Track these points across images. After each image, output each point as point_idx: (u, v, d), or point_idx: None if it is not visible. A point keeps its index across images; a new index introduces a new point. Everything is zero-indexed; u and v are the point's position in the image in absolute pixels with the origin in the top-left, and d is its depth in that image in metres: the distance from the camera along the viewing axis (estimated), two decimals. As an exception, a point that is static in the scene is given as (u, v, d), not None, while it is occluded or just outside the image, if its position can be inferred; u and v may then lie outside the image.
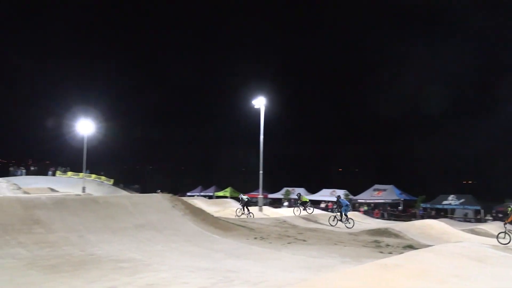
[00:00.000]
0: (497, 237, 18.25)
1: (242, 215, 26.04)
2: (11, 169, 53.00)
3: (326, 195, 51.37)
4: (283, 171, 69.54)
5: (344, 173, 76.27)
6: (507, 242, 17.46)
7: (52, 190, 35.22)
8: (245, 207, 26.42)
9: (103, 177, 54.07)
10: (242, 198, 26.85)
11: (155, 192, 28.67)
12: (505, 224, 18.40)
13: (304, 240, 15.45)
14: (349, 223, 22.63)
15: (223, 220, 18.84)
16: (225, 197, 52.60)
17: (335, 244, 14.98)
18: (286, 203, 48.58)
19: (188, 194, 57.59)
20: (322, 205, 46.44)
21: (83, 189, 41.48)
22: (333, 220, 23.16)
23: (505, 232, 18.08)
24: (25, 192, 26.84)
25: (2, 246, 10.71)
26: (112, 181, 54.10)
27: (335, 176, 71.20)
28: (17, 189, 26.23)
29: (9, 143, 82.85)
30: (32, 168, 54.17)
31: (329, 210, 24.07)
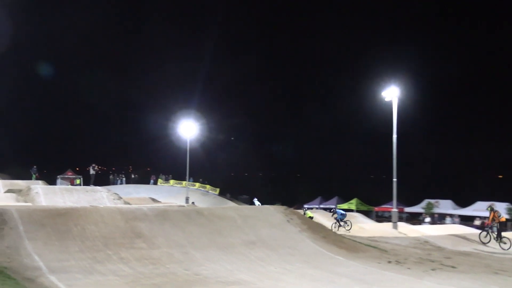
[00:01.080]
0: (479, 235, 21.76)
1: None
2: (111, 177, 58.45)
3: (481, 209, 47.36)
4: (424, 178, 66.14)
5: (506, 181, 69.83)
6: (487, 241, 21.12)
7: (154, 200, 37.87)
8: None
9: (208, 186, 56.82)
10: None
11: (266, 204, 29.23)
12: (486, 225, 22.12)
13: (453, 267, 14.38)
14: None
15: (348, 239, 18.43)
16: (350, 210, 51.81)
17: (496, 273, 13.67)
18: (428, 219, 45.99)
19: (306, 206, 57.86)
20: (477, 222, 42.95)
21: (187, 199, 43.93)
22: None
23: (487, 232, 21.51)
24: (126, 203, 29.33)
25: (104, 261, 11.75)
26: (218, 190, 56.57)
27: (494, 184, 65.53)
28: (118, 199, 28.70)
29: (108, 150, 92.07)
30: (133, 176, 59.07)
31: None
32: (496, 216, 21.45)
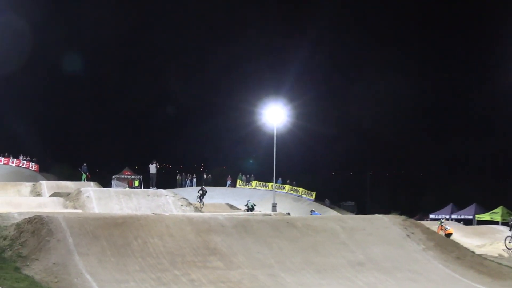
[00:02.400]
0: (504, 240, 26.73)
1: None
2: (178, 177, 60.17)
3: None
4: None
5: None
6: None
7: (232, 207, 38.48)
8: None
9: (301, 189, 56.93)
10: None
11: (379, 213, 28.74)
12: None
13: None
14: None
15: (491, 261, 17.75)
16: (494, 222, 49.87)
17: None
18: None
19: (432, 216, 56.32)
20: None
21: (274, 206, 44.20)
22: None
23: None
24: (197, 210, 30.02)
25: (170, 283, 12.17)
26: (314, 194, 56.53)
27: None
28: (187, 205, 29.41)
29: (174, 144, 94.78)
30: (205, 177, 60.47)
31: None
32: None
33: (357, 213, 47.02)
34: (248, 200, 38.37)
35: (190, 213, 26.54)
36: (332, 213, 45.85)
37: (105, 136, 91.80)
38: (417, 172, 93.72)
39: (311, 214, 35.75)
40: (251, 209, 36.53)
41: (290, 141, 61.79)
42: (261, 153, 62.62)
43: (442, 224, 30.30)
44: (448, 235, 27.54)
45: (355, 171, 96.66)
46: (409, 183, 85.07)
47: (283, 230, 16.05)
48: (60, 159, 70.94)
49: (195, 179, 58.75)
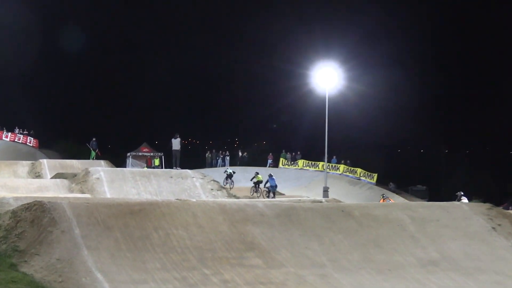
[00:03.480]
0: None
1: None
2: (207, 155, 60.30)
3: None
4: None
5: None
6: None
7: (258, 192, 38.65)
8: None
9: (359, 170, 56.36)
10: None
11: (455, 200, 28.64)
12: None
13: None
14: None
15: None
16: None
17: None
18: None
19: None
20: None
21: (325, 191, 43.83)
22: None
23: None
24: (231, 195, 30.03)
25: (199, 284, 12.23)
26: (375, 176, 55.94)
27: None
28: (218, 190, 29.51)
29: (203, 115, 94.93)
30: (240, 154, 60.53)
31: None
32: None
33: (429, 200, 46.47)
34: (227, 168, 41.66)
35: (223, 199, 26.62)
36: (398, 199, 45.49)
37: (118, 106, 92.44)
38: (506, 149, 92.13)
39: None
40: (229, 176, 39.36)
41: (346, 111, 61.39)
42: (310, 126, 62.43)
43: (384, 197, 33.91)
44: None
45: (427, 148, 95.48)
46: (496, 162, 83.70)
47: (337, 221, 16.04)
48: (64, 133, 71.46)
49: (228, 158, 58.83)
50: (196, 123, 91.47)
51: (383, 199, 33.73)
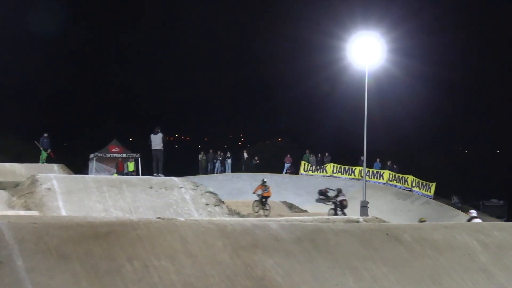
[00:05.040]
0: None
1: None
2: (201, 157, 60.20)
3: None
4: None
5: None
6: None
7: (292, 207, 38.64)
8: None
9: (410, 178, 56.49)
10: None
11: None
12: None
13: None
14: None
15: None
16: None
17: None
18: None
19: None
20: None
21: (364, 206, 43.91)
22: None
23: None
24: (232, 212, 30.02)
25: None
26: (433, 187, 56.04)
27: None
28: (216, 205, 29.54)
29: (195, 102, 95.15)
30: (246, 156, 60.51)
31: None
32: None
33: (508, 220, 46.47)
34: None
35: (222, 217, 26.59)
36: (464, 219, 45.51)
37: (78, 88, 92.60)
38: None
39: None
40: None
41: (393, 96, 61.46)
42: (343, 117, 62.47)
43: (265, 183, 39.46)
44: (266, 197, 38.47)
45: (506, 147, 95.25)
46: None
47: (380, 248, 15.97)
48: (3, 127, 71.26)
49: (229, 160, 58.96)
50: (186, 112, 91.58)
51: (261, 186, 39.41)
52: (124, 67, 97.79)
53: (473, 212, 35.00)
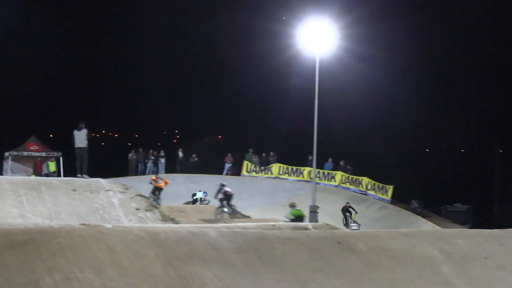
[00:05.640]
0: None
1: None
2: (131, 156, 59.95)
3: None
4: None
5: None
6: None
7: (232, 213, 38.83)
8: None
9: (365, 180, 56.67)
10: None
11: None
12: None
13: None
14: None
15: None
16: None
17: None
18: None
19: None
20: None
21: (313, 211, 44.04)
22: None
23: None
24: (167, 218, 30.05)
25: None
26: (390, 190, 56.33)
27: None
28: (148, 209, 29.53)
29: (125, 95, 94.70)
30: (181, 155, 60.49)
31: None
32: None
33: (473, 226, 46.94)
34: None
35: (154, 224, 26.56)
36: (425, 225, 45.87)
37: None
38: None
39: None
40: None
41: (347, 88, 61.75)
42: (291, 111, 62.72)
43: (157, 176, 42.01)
44: (159, 188, 40.96)
45: (469, 146, 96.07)
46: None
47: (331, 258, 16.11)
48: None
49: (163, 160, 58.86)
50: (114, 106, 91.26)
51: (155, 177, 43.89)
52: (45, 52, 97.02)
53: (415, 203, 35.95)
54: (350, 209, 41.25)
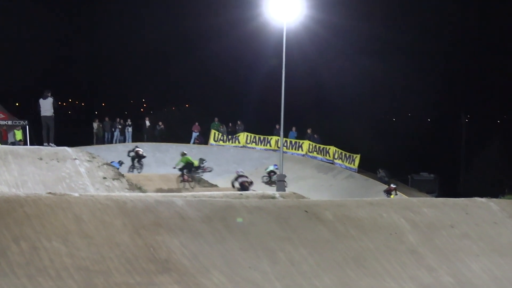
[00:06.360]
0: None
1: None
2: (96, 125, 59.24)
3: None
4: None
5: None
6: None
7: (199, 181, 38.80)
8: None
9: (332, 149, 56.58)
10: None
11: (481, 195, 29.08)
12: None
13: None
14: None
15: None
16: None
17: None
18: None
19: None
20: None
21: (281, 180, 44.04)
22: None
23: None
24: (134, 187, 29.96)
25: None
26: (357, 159, 56.31)
27: None
28: (115, 178, 29.39)
29: (92, 61, 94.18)
30: (148, 124, 60.01)
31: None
32: None
33: (439, 195, 47.00)
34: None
35: (122, 193, 26.45)
36: (396, 195, 45.86)
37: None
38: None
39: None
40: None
41: (314, 57, 61.66)
42: (258, 80, 62.68)
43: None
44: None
45: (437, 116, 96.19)
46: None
47: (298, 227, 16.10)
48: None
49: (130, 129, 58.51)
50: (80, 73, 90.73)
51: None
52: (12, 19, 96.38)
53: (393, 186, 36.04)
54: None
